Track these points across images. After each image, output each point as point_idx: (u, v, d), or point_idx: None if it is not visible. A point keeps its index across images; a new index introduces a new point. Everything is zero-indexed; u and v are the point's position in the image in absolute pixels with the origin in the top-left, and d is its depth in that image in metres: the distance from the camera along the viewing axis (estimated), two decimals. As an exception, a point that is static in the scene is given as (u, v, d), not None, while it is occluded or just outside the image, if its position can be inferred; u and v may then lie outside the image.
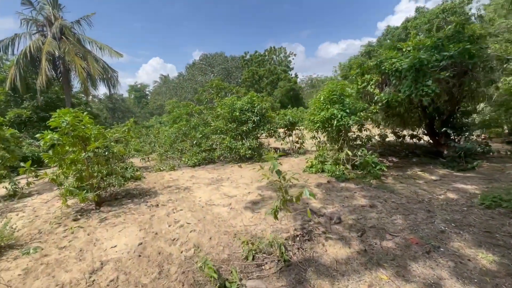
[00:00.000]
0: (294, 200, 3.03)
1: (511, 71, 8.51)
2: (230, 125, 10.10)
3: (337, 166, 6.77)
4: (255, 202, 5.16)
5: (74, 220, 4.70)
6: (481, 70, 7.24)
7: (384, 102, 6.94)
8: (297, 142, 11.29)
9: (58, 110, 4.76)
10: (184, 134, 11.10)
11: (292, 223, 4.03)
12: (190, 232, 3.99)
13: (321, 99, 7.25)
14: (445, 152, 7.89)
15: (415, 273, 2.69)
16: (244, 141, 9.92)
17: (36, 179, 5.31)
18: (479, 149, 7.40)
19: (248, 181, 6.90)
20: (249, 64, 55.09)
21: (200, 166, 9.66)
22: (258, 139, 10.56)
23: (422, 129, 9.81)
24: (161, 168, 9.20)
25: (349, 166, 6.69)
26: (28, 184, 6.00)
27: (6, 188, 6.79)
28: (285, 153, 10.82)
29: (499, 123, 10.35)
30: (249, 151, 9.52)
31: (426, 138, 9.88)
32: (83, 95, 23.56)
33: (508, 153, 8.12)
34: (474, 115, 9.33)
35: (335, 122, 6.69)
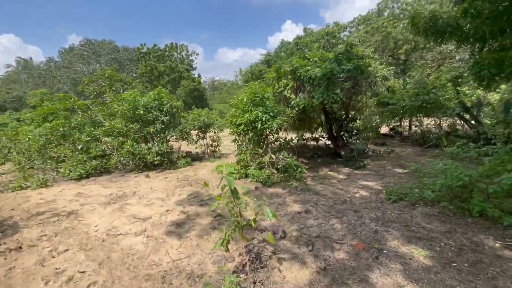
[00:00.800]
0: (252, 224, 2.38)
1: (388, 87, 10.92)
2: (131, 126, 8.20)
3: (261, 171, 6.53)
4: (179, 224, 4.12)
5: None
6: (366, 84, 8.81)
7: (301, 107, 7.26)
8: (211, 146, 10.55)
9: None
10: (62, 136, 8.20)
11: (233, 246, 3.34)
12: (88, 286, 2.63)
13: (244, 100, 6.86)
14: (342, 153, 9.15)
15: (378, 285, 2.58)
16: (150, 144, 8.29)
17: None
18: (367, 150, 8.96)
19: (163, 195, 5.64)
20: (146, 58, 49.27)
21: (89, 179, 7.32)
22: (168, 142, 9.12)
23: (323, 133, 11.16)
24: (23, 185, 6.37)
25: (274, 170, 6.59)
26: None
27: None
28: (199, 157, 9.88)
29: (370, 128, 13.17)
30: (158, 157, 8.02)
31: (324, 140, 11.32)
32: None
33: (381, 152, 10.30)
34: (359, 122, 11.40)
35: (259, 125, 6.43)
